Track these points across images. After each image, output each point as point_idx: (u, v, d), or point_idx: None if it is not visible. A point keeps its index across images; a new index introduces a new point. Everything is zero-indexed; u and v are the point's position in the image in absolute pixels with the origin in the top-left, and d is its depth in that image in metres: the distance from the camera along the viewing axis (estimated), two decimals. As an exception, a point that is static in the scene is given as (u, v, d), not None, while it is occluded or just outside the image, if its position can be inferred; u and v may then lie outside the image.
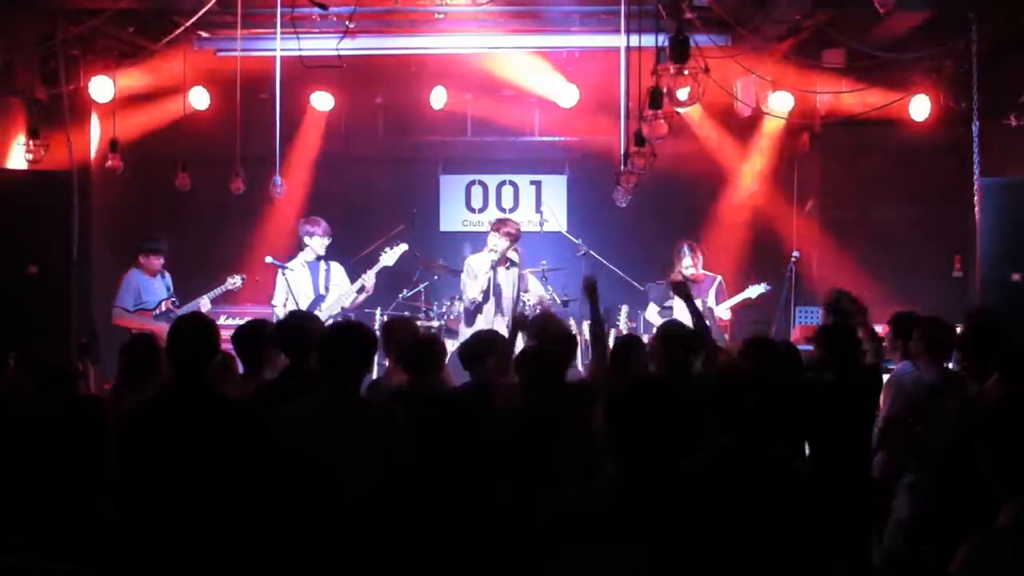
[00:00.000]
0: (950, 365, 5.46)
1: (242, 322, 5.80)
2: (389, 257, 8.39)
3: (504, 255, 8.17)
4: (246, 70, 8.53)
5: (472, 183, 11.52)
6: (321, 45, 8.45)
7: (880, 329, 6.19)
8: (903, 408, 5.28)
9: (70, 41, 8.72)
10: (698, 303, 7.60)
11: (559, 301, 9.10)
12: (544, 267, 9.25)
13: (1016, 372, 4.39)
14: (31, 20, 8.60)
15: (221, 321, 8.54)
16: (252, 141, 8.64)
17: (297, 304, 7.93)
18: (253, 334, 5.17)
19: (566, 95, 9.88)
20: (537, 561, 2.96)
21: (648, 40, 6.99)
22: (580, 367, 8.04)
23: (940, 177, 9.75)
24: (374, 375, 6.94)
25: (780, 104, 9.38)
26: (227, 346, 4.97)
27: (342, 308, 8.24)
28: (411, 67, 10.05)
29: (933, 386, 5.16)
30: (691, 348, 5.19)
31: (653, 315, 8.84)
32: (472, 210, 11.48)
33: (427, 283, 9.63)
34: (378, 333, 6.41)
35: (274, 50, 8.08)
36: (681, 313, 7.94)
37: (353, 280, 8.31)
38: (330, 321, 7.83)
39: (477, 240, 9.16)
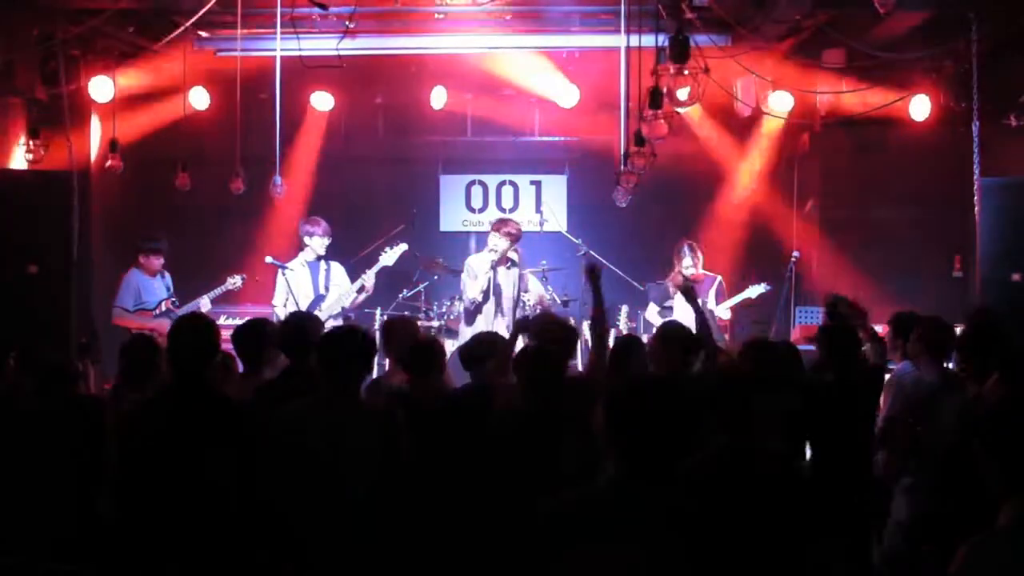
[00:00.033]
0: (950, 365, 5.46)
1: (242, 322, 5.80)
2: (389, 257, 8.39)
3: (504, 255, 8.17)
4: (246, 70, 8.53)
5: (472, 183, 11.52)
6: (321, 45, 8.45)
7: (880, 329, 6.20)
8: (903, 408, 5.27)
9: (70, 41, 8.72)
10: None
11: (559, 301, 9.11)
12: (544, 267, 9.25)
13: (1016, 372, 4.38)
14: (31, 20, 8.59)
15: (221, 321, 8.54)
16: (252, 141, 8.64)
17: (297, 304, 7.93)
18: (253, 333, 5.17)
19: (566, 95, 9.88)
20: (537, 561, 2.96)
21: (648, 40, 6.99)
22: (580, 367, 8.04)
23: (940, 177, 9.74)
24: (374, 374, 6.95)
25: (780, 104, 9.39)
26: (227, 346, 4.97)
27: (342, 308, 8.24)
28: (411, 67, 10.05)
29: (933, 386, 5.16)
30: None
31: (653, 315, 8.84)
32: (472, 210, 11.48)
33: (427, 283, 9.63)
34: (378, 333, 6.43)
35: (274, 50, 8.08)
36: (680, 313, 7.95)
37: (353, 280, 8.31)
38: (330, 321, 7.84)
39: (481, 240, 9.16)
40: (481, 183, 11.51)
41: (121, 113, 9.53)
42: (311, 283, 8.30)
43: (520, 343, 5.52)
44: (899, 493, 5.13)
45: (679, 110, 6.81)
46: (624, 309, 9.00)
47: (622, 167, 7.20)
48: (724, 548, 3.02)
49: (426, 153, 11.27)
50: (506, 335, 6.16)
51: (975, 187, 8.36)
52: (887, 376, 5.60)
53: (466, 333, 7.96)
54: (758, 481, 3.46)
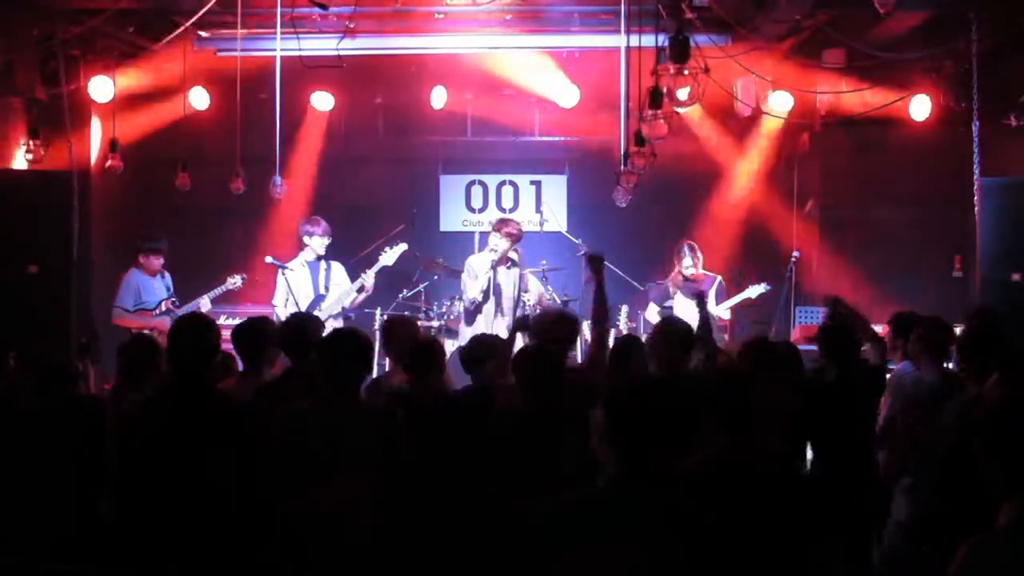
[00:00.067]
0: (950, 365, 5.46)
1: (242, 321, 5.80)
2: (388, 257, 8.39)
3: (505, 255, 8.17)
4: (246, 70, 8.53)
5: (472, 183, 11.51)
6: (321, 45, 8.46)
7: (880, 329, 6.20)
8: (903, 408, 5.28)
9: (70, 41, 8.71)
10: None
11: (559, 301, 9.10)
12: (544, 267, 9.25)
13: (1016, 372, 4.38)
14: (31, 20, 8.59)
15: (221, 321, 8.53)
16: (252, 141, 8.64)
17: (297, 304, 7.93)
18: (252, 332, 5.16)
19: (566, 95, 9.88)
20: (537, 561, 2.96)
21: (648, 40, 6.99)
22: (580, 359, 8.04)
23: (940, 177, 9.74)
24: (374, 374, 6.95)
25: (780, 104, 9.38)
26: (227, 346, 4.97)
27: (342, 308, 8.24)
28: (411, 67, 10.05)
29: (933, 386, 5.16)
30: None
31: (653, 315, 8.84)
32: (472, 210, 11.48)
33: (427, 283, 9.63)
34: (378, 333, 6.43)
35: (274, 50, 8.08)
36: (681, 313, 7.94)
37: (353, 280, 8.32)
38: (330, 321, 7.84)
39: (484, 240, 9.16)
40: (481, 183, 11.50)
41: (121, 113, 9.53)
42: (311, 283, 8.30)
43: (520, 342, 5.53)
44: (899, 493, 5.13)
45: (679, 110, 6.81)
46: (624, 309, 9.00)
47: (622, 167, 7.20)
48: (724, 548, 3.02)
49: (426, 153, 11.27)
50: (506, 335, 6.16)
51: (975, 187, 8.36)
52: (887, 376, 5.60)
53: (466, 333, 7.96)
54: (758, 481, 3.46)
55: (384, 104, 10.86)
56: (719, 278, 9.03)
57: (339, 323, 7.95)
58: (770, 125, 10.19)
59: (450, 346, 7.69)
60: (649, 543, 2.83)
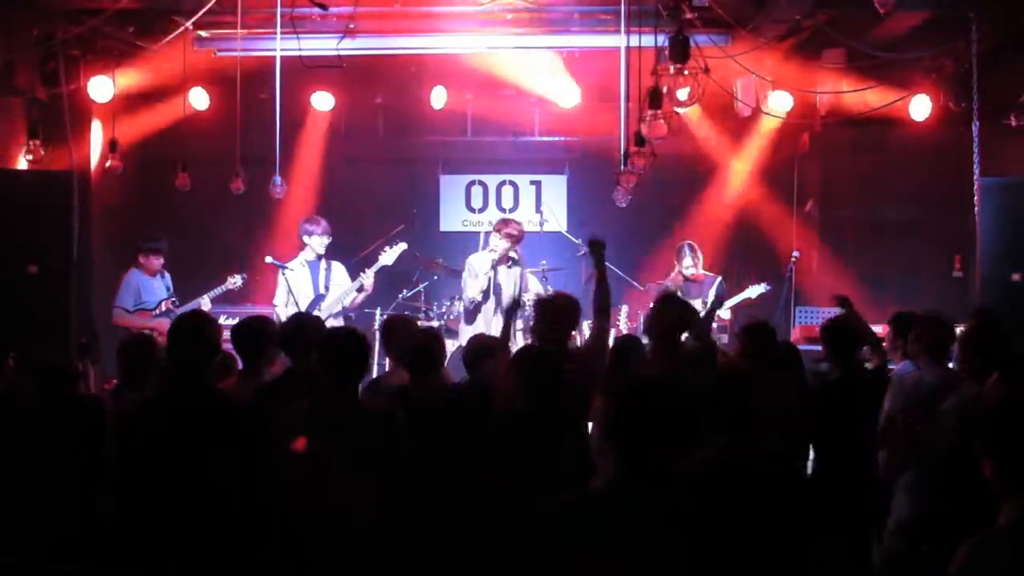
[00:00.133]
0: (951, 365, 5.46)
1: (241, 320, 5.79)
2: (388, 256, 8.40)
3: (505, 255, 8.17)
4: (246, 70, 8.53)
5: (472, 183, 11.52)
6: (321, 45, 8.45)
7: (880, 329, 6.21)
8: (903, 408, 5.27)
9: (70, 41, 8.70)
10: (698, 303, 7.67)
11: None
12: (544, 267, 9.25)
13: (1016, 372, 4.38)
14: (31, 20, 8.58)
15: (221, 321, 8.52)
16: (252, 141, 8.64)
17: (297, 304, 7.94)
18: (252, 332, 5.16)
19: (566, 95, 9.87)
20: (537, 561, 2.96)
21: (648, 40, 6.99)
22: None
23: (940, 177, 9.74)
24: (374, 374, 6.95)
25: (780, 104, 9.38)
26: (227, 346, 4.97)
27: (342, 307, 8.24)
28: (411, 67, 10.05)
29: (934, 386, 5.15)
30: (686, 319, 5.24)
31: (653, 315, 8.84)
32: (472, 210, 11.48)
33: (427, 283, 9.63)
34: (378, 333, 6.43)
35: (274, 50, 8.08)
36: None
37: (353, 280, 8.32)
38: (330, 320, 7.84)
39: (487, 241, 9.16)
40: (481, 183, 11.51)
41: (121, 113, 9.54)
42: (311, 282, 8.31)
43: (520, 341, 5.53)
44: (899, 491, 5.12)
45: (679, 110, 6.81)
46: (624, 309, 9.00)
47: (622, 167, 7.20)
48: (724, 548, 3.02)
49: (426, 153, 11.27)
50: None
51: (975, 187, 8.36)
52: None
53: (466, 332, 7.97)
54: (758, 481, 3.46)
55: (384, 104, 10.85)
56: (719, 278, 9.03)
57: (339, 322, 7.96)
58: (770, 125, 10.19)
59: (450, 346, 7.69)
60: (649, 543, 2.83)
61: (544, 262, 9.29)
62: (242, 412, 4.08)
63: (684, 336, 5.35)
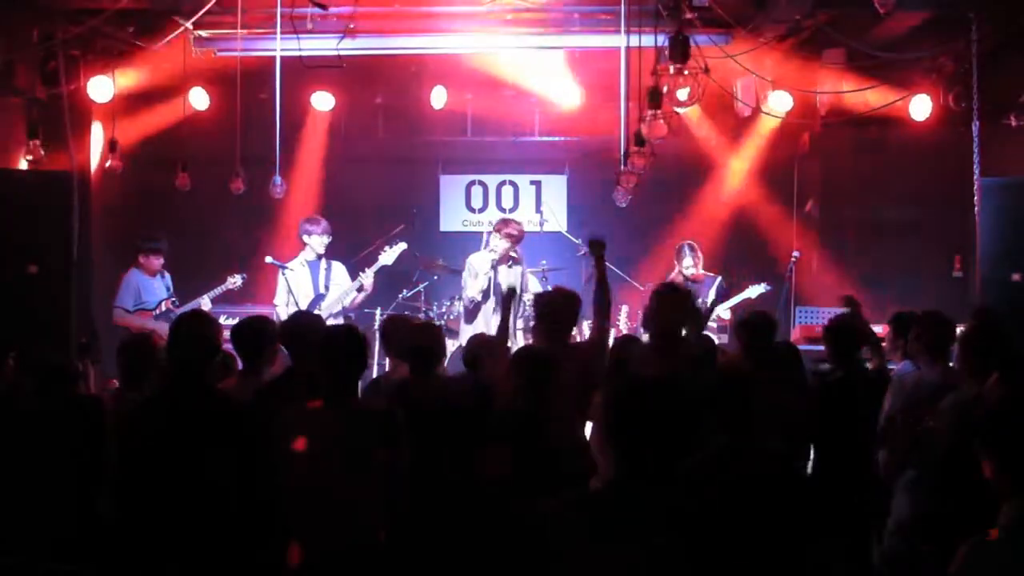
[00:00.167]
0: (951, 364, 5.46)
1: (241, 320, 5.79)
2: (388, 256, 8.40)
3: (506, 254, 8.17)
4: (246, 70, 8.53)
5: (472, 183, 11.51)
6: (321, 45, 8.45)
7: (880, 329, 6.21)
8: (904, 408, 5.27)
9: (70, 41, 8.70)
10: (698, 303, 7.67)
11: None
12: (544, 267, 9.25)
13: (1016, 372, 4.38)
14: (31, 20, 8.58)
15: (221, 321, 8.52)
16: (252, 141, 8.64)
17: (297, 304, 7.94)
18: (252, 332, 5.15)
19: (567, 94, 9.87)
20: (537, 561, 2.96)
21: (648, 40, 6.99)
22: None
23: (940, 177, 9.74)
24: (374, 374, 6.95)
25: (779, 104, 9.38)
26: (227, 346, 4.97)
27: (342, 307, 8.24)
28: (411, 67, 10.04)
29: (934, 386, 5.15)
30: (685, 310, 5.24)
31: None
32: (472, 210, 11.48)
33: (427, 283, 9.64)
34: (378, 333, 6.42)
35: (274, 50, 8.08)
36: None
37: (353, 280, 8.32)
38: (330, 320, 7.84)
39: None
40: (481, 183, 11.51)
41: (121, 113, 9.53)
42: (311, 282, 8.31)
43: (520, 340, 5.53)
44: (899, 491, 5.12)
45: (679, 110, 6.81)
46: (624, 309, 9.00)
47: (622, 167, 7.20)
48: (724, 548, 3.03)
49: (426, 153, 11.27)
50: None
51: (975, 187, 8.36)
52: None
53: (466, 332, 7.97)
54: (758, 481, 3.46)
55: (384, 104, 10.85)
56: (719, 278, 9.03)
57: (339, 322, 7.96)
58: (770, 125, 10.19)
59: (450, 346, 7.69)
60: (649, 543, 2.83)
61: (544, 262, 9.29)
62: (242, 412, 4.08)
63: (684, 332, 5.34)
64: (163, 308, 8.53)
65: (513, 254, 8.29)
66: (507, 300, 5.87)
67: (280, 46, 7.95)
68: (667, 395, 2.99)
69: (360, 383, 4.51)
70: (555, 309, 5.28)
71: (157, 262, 8.62)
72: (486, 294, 8.12)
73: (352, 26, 8.39)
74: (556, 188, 11.37)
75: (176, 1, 8.25)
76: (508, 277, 8.23)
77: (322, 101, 10.05)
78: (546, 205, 10.91)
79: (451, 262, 9.58)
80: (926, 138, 9.47)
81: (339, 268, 8.45)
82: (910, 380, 5.28)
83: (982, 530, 2.62)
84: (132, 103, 9.71)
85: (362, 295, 8.34)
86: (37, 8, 8.42)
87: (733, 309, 8.94)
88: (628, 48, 7.34)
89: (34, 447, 4.35)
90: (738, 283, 9.23)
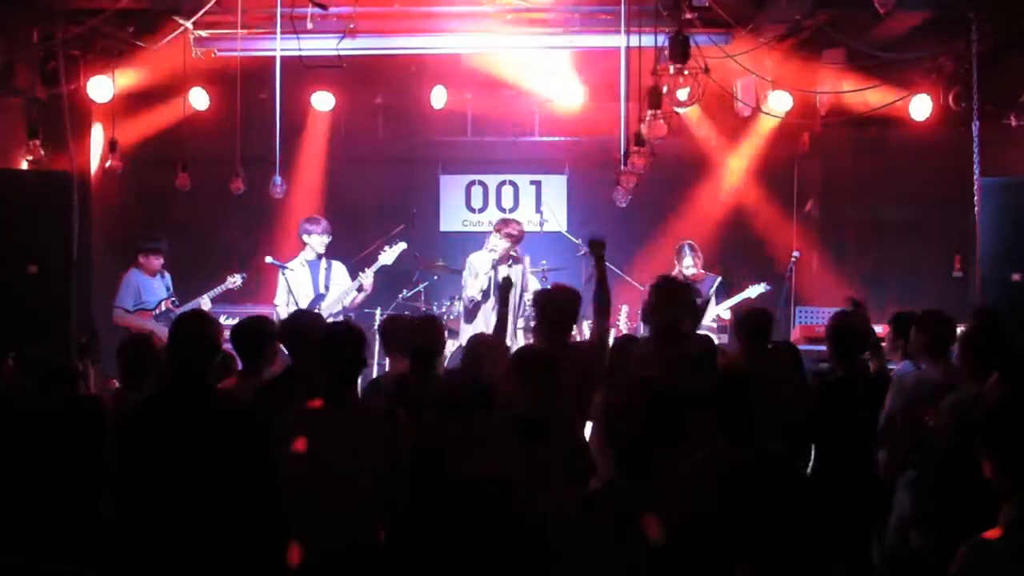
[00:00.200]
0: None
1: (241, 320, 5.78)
2: (388, 256, 8.40)
3: (506, 254, 8.17)
4: (246, 70, 8.53)
5: (472, 183, 11.51)
6: (321, 45, 8.45)
7: (880, 329, 6.20)
8: (904, 407, 5.27)
9: (70, 41, 8.70)
10: (698, 303, 7.66)
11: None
12: (544, 267, 9.25)
13: (1016, 372, 4.38)
14: (31, 20, 8.59)
15: (221, 321, 8.52)
16: (252, 141, 8.64)
17: (297, 304, 7.94)
18: (252, 332, 5.15)
19: (568, 94, 9.87)
20: (537, 561, 2.96)
21: (648, 40, 6.99)
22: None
23: (940, 177, 9.74)
24: (374, 374, 6.95)
25: (779, 104, 9.38)
26: (227, 346, 4.97)
27: (342, 307, 8.24)
28: (411, 67, 10.04)
29: (934, 385, 5.15)
30: (686, 305, 5.25)
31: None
32: (472, 210, 11.48)
33: (427, 283, 9.64)
34: (377, 334, 6.42)
35: (274, 50, 8.08)
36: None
37: (353, 279, 8.32)
38: (330, 319, 7.84)
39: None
40: (481, 183, 11.50)
41: (121, 113, 9.53)
42: (311, 282, 8.31)
43: (520, 340, 5.53)
44: (900, 490, 5.12)
45: (679, 110, 6.81)
46: (624, 309, 9.00)
47: (622, 167, 7.20)
48: (724, 548, 3.02)
49: (426, 153, 11.26)
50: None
51: (975, 187, 8.36)
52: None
53: (466, 331, 7.97)
54: (758, 481, 3.46)
55: (384, 104, 10.85)
56: (719, 278, 9.03)
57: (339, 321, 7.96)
58: (770, 125, 10.19)
59: (450, 346, 7.69)
60: (649, 543, 2.83)
61: (544, 262, 9.29)
62: (242, 412, 4.08)
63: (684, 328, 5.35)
64: (163, 308, 8.53)
65: (513, 254, 8.29)
66: (504, 292, 5.85)
67: (280, 46, 7.95)
68: (666, 395, 2.99)
69: (360, 383, 4.52)
70: (555, 307, 5.27)
71: (157, 262, 8.62)
72: (486, 294, 8.12)
73: (352, 26, 8.39)
74: (556, 188, 11.37)
75: (176, 1, 8.26)
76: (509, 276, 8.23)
77: (322, 101, 10.04)
78: (546, 205, 10.91)
79: (451, 262, 9.57)
80: (926, 138, 9.47)
81: (339, 268, 8.45)
82: (910, 380, 5.28)
83: (982, 530, 2.62)
84: (132, 103, 9.71)
85: (362, 295, 8.34)
86: (37, 8, 8.43)
87: (733, 309, 8.94)
88: (628, 48, 7.34)
89: (34, 447, 4.35)
90: (738, 283, 9.23)
